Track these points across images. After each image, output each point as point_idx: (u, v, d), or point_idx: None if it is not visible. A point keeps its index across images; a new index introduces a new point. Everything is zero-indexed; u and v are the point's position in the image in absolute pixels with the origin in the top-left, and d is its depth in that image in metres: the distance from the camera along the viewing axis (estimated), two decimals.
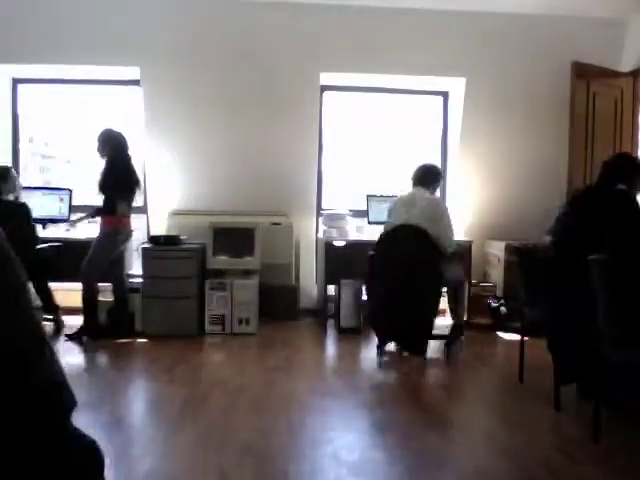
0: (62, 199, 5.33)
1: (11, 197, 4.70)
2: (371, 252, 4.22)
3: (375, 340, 4.27)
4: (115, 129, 4.71)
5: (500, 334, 4.95)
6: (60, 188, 5.50)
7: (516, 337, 3.93)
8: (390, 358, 4.29)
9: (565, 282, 3.03)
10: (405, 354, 4.26)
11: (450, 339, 4.38)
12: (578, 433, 2.78)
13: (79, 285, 4.52)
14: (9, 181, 4.67)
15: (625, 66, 5.48)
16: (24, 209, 4.61)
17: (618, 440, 2.70)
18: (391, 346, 4.36)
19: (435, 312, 4.08)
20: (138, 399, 3.46)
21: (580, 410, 3.01)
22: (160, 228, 5.45)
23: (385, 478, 2.33)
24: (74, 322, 4.83)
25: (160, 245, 4.86)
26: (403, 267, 3.98)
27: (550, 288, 3.13)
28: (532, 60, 5.49)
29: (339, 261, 5.05)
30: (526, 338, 3.63)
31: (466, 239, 5.28)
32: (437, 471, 2.42)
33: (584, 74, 5.22)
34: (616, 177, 3.26)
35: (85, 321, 4.52)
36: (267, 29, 5.37)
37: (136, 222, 5.13)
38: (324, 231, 5.40)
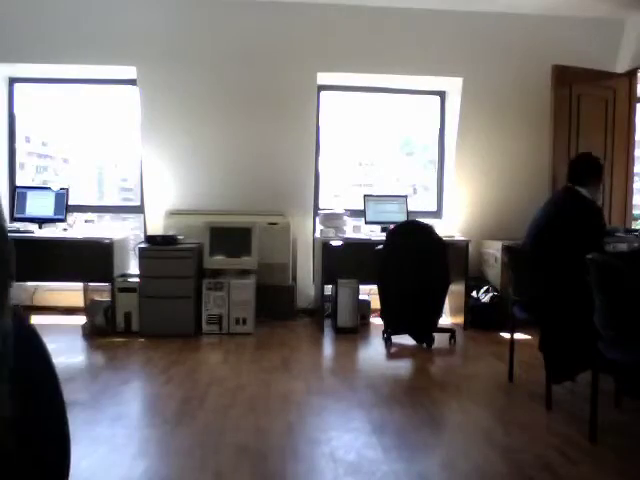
0: (58, 198, 5.31)
1: None
2: None
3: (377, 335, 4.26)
4: None
5: (502, 334, 4.94)
6: (57, 188, 5.49)
7: (519, 336, 3.93)
8: (389, 355, 4.29)
9: (560, 281, 3.05)
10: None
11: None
12: (573, 432, 2.79)
13: (76, 285, 4.49)
14: None
15: (621, 66, 5.49)
16: None
17: (614, 439, 2.71)
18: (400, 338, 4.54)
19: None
20: (135, 399, 3.45)
21: (573, 409, 3.02)
22: (157, 228, 5.44)
23: (382, 478, 2.33)
24: (72, 322, 4.82)
25: (157, 245, 4.85)
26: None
27: (546, 286, 3.14)
28: (529, 60, 5.49)
29: (336, 261, 5.05)
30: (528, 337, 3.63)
31: (463, 238, 5.29)
32: (434, 470, 2.43)
33: (565, 77, 5.18)
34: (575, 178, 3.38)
35: None
36: (264, 29, 5.36)
37: (133, 222, 5.11)
38: (321, 231, 5.39)
